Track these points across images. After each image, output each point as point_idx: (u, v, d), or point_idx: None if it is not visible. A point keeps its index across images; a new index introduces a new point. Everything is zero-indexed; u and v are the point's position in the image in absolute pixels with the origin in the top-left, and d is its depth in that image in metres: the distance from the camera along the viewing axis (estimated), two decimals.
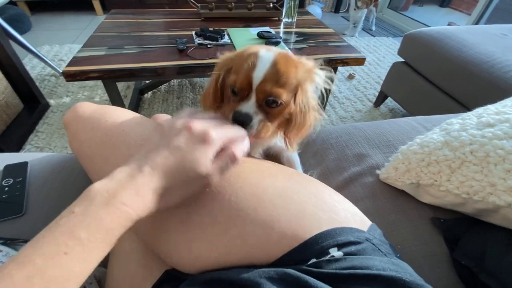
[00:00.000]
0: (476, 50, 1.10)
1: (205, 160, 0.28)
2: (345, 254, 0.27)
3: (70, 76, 0.99)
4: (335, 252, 0.27)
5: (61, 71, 1.00)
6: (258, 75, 0.35)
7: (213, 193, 0.31)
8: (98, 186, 0.25)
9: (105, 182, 0.26)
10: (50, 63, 1.67)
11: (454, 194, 0.42)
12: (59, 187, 0.51)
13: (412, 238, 0.45)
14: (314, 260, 0.27)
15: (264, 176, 0.34)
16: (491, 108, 0.52)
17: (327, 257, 0.27)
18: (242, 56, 0.37)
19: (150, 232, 0.33)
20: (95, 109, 0.41)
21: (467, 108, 1.09)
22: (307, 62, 0.39)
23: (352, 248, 0.28)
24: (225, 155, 0.30)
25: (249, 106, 0.36)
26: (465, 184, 0.41)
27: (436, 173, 0.45)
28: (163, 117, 0.58)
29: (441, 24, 2.94)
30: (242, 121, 0.35)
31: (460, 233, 0.43)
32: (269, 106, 0.37)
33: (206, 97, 0.43)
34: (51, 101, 1.53)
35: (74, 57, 1.05)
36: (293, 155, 0.53)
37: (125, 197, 0.25)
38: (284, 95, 0.36)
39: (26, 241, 0.40)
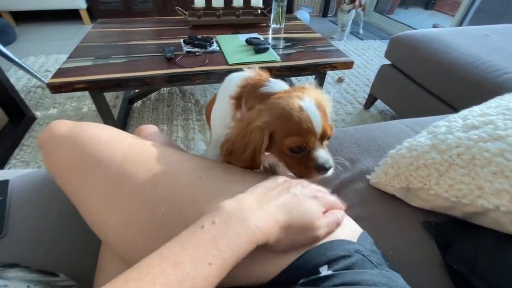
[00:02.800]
0: (461, 51, 1.12)
1: (317, 213, 0.30)
2: (335, 270, 0.27)
3: (55, 88, 0.97)
4: (324, 271, 0.27)
5: (46, 82, 0.97)
6: (318, 126, 0.37)
7: None
8: (232, 204, 0.26)
9: (237, 201, 0.26)
10: (36, 74, 1.64)
11: (444, 198, 0.42)
12: (41, 206, 0.49)
13: (404, 244, 0.45)
14: (304, 280, 0.27)
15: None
16: (475, 109, 0.53)
17: (317, 276, 0.26)
18: (284, 116, 0.37)
19: None
20: (71, 127, 0.39)
21: (454, 108, 1.10)
22: (320, 92, 0.43)
23: (342, 264, 0.27)
24: (331, 215, 0.31)
25: (325, 155, 0.39)
26: (454, 188, 0.41)
27: (425, 177, 0.45)
28: (150, 129, 0.57)
29: (426, 26, 3.02)
30: (328, 169, 0.39)
31: (452, 236, 0.43)
32: (325, 140, 0.41)
33: (237, 156, 0.40)
34: (38, 113, 1.50)
35: (59, 69, 1.03)
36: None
37: (258, 220, 0.25)
38: (333, 126, 0.41)
39: (5, 265, 0.38)
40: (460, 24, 2.41)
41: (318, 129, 0.37)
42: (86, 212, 0.35)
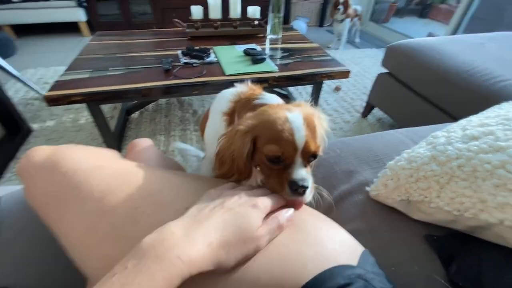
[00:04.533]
0: (456, 59, 1.13)
1: (256, 221, 0.29)
2: None
3: (52, 101, 0.97)
4: None
5: (44, 94, 0.97)
6: (300, 138, 0.35)
7: None
8: (151, 238, 0.25)
9: (158, 234, 0.25)
10: (33, 86, 1.64)
11: (445, 211, 0.41)
12: (31, 225, 0.47)
13: (406, 259, 0.43)
14: None
15: None
16: (474, 119, 0.52)
17: None
18: (268, 123, 0.36)
19: None
20: (48, 155, 0.37)
21: (451, 116, 1.10)
22: (315, 110, 0.41)
23: None
24: (272, 221, 0.30)
25: (302, 172, 0.36)
26: (456, 201, 0.40)
27: (426, 189, 0.44)
28: (144, 143, 0.56)
29: (421, 34, 3.06)
30: (304, 190, 0.34)
31: (454, 250, 0.42)
32: (310, 161, 0.38)
33: (228, 167, 0.40)
34: (34, 126, 1.49)
35: (56, 81, 1.03)
36: None
37: (180, 251, 0.24)
38: (321, 147, 0.38)
39: None
40: (454, 32, 2.44)
41: (300, 142, 0.35)
42: (69, 249, 0.33)
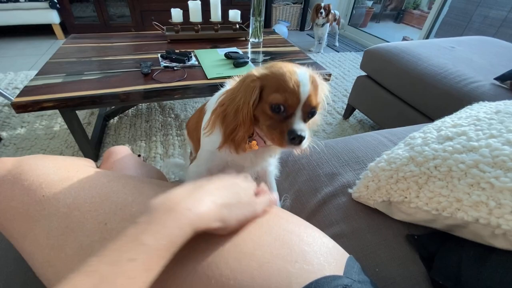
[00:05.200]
0: (430, 62, 1.18)
1: (250, 190, 0.33)
2: None
3: (21, 108, 0.91)
4: None
5: (13, 100, 0.91)
6: (304, 91, 0.38)
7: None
8: (158, 199, 0.26)
9: (163, 196, 0.26)
10: (2, 92, 1.54)
11: (424, 211, 0.42)
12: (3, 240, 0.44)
13: (389, 259, 0.44)
14: None
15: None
16: (448, 120, 0.54)
17: None
18: (278, 74, 0.38)
19: None
20: (11, 169, 0.34)
21: (427, 117, 1.15)
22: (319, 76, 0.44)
23: None
24: (263, 194, 0.34)
25: (301, 124, 0.39)
26: (434, 200, 0.41)
27: (405, 190, 0.45)
28: (121, 151, 0.54)
29: (397, 38, 3.19)
30: (300, 140, 0.38)
31: (434, 249, 0.43)
32: (308, 117, 0.41)
33: (230, 119, 0.41)
34: (3, 134, 1.40)
35: (25, 87, 0.98)
36: (273, 180, 0.59)
37: (189, 203, 0.25)
38: (320, 105, 0.41)
39: None
40: (427, 36, 2.56)
41: (303, 94, 0.38)
42: (34, 267, 0.31)
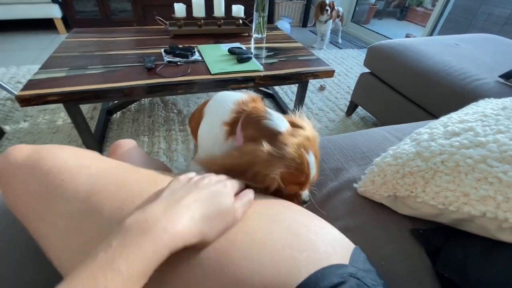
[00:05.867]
0: (434, 59, 1.18)
1: (230, 197, 0.31)
2: None
3: (25, 101, 0.91)
4: None
5: (16, 94, 0.91)
6: (313, 176, 0.44)
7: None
8: (133, 218, 0.25)
9: (139, 213, 0.25)
10: (5, 86, 1.54)
11: (430, 205, 0.42)
12: (10, 225, 0.44)
13: (394, 253, 0.44)
14: None
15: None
16: (454, 116, 0.54)
17: None
18: (294, 169, 0.41)
19: None
20: (29, 154, 0.35)
21: (432, 114, 1.15)
22: (313, 128, 0.48)
23: None
24: (243, 195, 0.33)
25: (307, 192, 0.48)
26: (440, 195, 0.41)
27: (412, 185, 0.46)
28: (128, 144, 0.54)
29: (399, 36, 3.17)
30: (306, 202, 0.48)
31: (440, 243, 0.43)
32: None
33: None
34: (7, 128, 1.40)
35: (30, 80, 0.97)
36: None
37: (165, 223, 0.24)
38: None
39: None
40: (431, 34, 2.55)
41: (312, 179, 0.44)
42: (49, 250, 0.31)
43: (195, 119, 0.65)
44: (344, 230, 0.49)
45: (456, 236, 0.42)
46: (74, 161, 0.34)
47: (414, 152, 0.48)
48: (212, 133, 0.52)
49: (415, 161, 0.46)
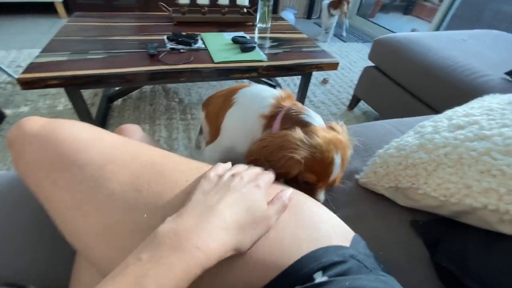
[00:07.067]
0: (440, 54, 1.16)
1: (263, 202, 0.30)
2: (330, 276, 0.25)
3: (26, 84, 0.90)
4: (319, 277, 0.25)
5: (17, 77, 0.90)
6: (333, 176, 0.45)
7: None
8: (165, 229, 0.23)
9: (172, 224, 0.24)
10: (5, 69, 1.53)
11: (432, 197, 0.42)
12: (8, 212, 0.44)
13: (393, 244, 0.45)
14: (299, 287, 0.25)
15: None
16: (459, 110, 0.54)
17: (312, 283, 0.25)
18: (318, 159, 0.42)
19: None
20: (43, 124, 0.35)
21: (435, 110, 1.14)
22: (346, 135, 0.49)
23: (337, 269, 0.26)
24: (278, 201, 0.31)
25: (322, 194, 0.47)
26: (442, 187, 0.41)
27: (414, 176, 0.46)
28: (132, 129, 0.54)
29: (405, 30, 3.12)
30: None
31: (439, 235, 0.43)
32: (328, 188, 0.49)
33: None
34: (7, 111, 1.40)
35: (31, 63, 0.96)
36: None
37: (198, 240, 0.23)
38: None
39: None
40: (437, 29, 2.51)
41: (332, 178, 0.45)
42: (58, 217, 0.32)
43: (215, 105, 0.64)
44: (344, 220, 0.49)
45: (456, 228, 0.42)
46: (87, 134, 0.35)
47: (417, 144, 0.48)
48: (246, 123, 0.54)
49: (418, 153, 0.46)
